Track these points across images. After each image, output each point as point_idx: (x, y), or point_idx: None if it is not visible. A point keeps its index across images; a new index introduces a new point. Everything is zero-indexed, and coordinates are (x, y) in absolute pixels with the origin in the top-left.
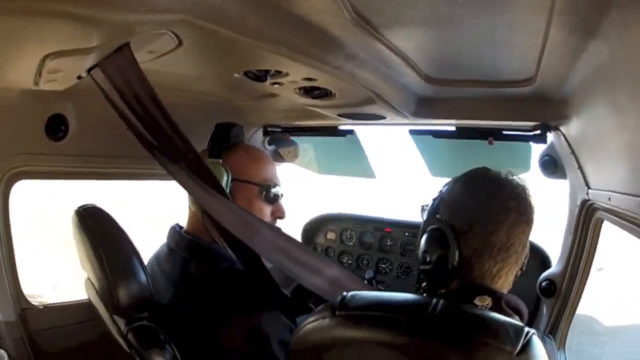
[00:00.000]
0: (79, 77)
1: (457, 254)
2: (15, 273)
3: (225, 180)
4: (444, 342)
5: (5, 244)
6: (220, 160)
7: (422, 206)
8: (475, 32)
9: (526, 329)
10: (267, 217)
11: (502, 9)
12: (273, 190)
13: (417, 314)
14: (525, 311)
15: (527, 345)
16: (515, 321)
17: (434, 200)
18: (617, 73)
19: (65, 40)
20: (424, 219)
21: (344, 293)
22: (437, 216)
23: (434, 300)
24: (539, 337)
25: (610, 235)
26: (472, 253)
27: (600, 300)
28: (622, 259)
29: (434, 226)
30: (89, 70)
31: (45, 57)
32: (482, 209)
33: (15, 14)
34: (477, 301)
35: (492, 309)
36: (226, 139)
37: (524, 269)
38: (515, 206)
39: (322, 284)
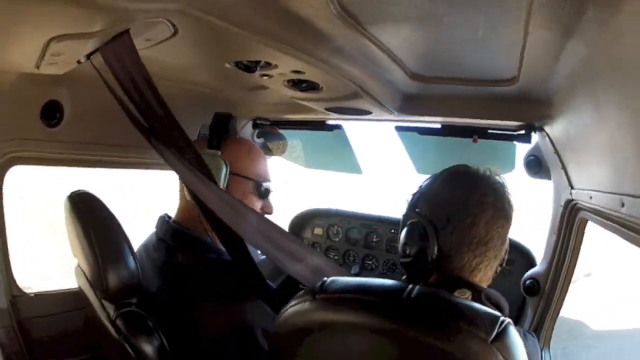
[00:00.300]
0: (79, 62)
1: (436, 247)
2: (7, 260)
3: (224, 173)
4: (418, 327)
5: None
6: (220, 152)
7: (407, 200)
8: (457, 30)
9: (502, 318)
10: None
11: (482, 8)
12: (265, 185)
13: (393, 297)
14: (506, 307)
15: (503, 333)
16: (491, 310)
17: (414, 195)
18: (597, 71)
19: (71, 24)
20: (404, 213)
21: (325, 278)
22: (417, 210)
23: (411, 286)
24: (520, 334)
25: (599, 241)
26: (450, 246)
27: (589, 306)
28: (610, 265)
29: (414, 220)
30: (89, 56)
31: (51, 39)
32: (461, 203)
33: None
34: (457, 294)
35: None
36: (226, 130)
37: (504, 265)
38: (492, 201)
39: (304, 272)
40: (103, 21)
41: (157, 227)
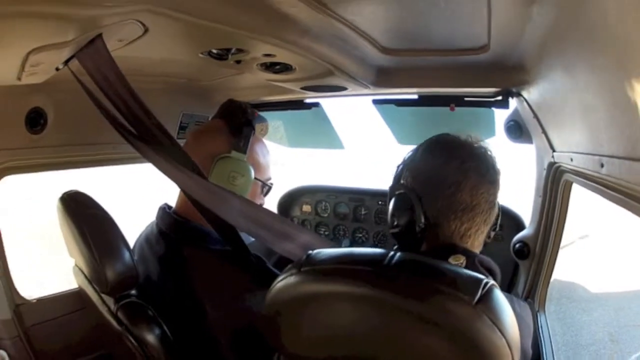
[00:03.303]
0: (57, 69)
1: (422, 216)
2: (7, 269)
3: (250, 181)
4: (398, 292)
5: None
6: (246, 157)
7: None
8: (420, 3)
9: (485, 279)
10: None
11: None
12: (270, 185)
13: (374, 264)
14: (498, 272)
15: (487, 295)
16: (474, 273)
17: (398, 166)
18: (565, 34)
19: (46, 36)
20: (390, 185)
21: (309, 251)
22: (402, 181)
23: (392, 252)
24: (512, 300)
25: (594, 203)
26: (437, 214)
27: (585, 268)
28: (606, 227)
29: (399, 191)
30: (66, 62)
31: (30, 52)
32: (441, 171)
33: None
34: (451, 260)
35: (466, 267)
36: (248, 124)
37: (497, 229)
38: (474, 166)
39: (293, 249)
40: (76, 30)
41: (158, 218)
